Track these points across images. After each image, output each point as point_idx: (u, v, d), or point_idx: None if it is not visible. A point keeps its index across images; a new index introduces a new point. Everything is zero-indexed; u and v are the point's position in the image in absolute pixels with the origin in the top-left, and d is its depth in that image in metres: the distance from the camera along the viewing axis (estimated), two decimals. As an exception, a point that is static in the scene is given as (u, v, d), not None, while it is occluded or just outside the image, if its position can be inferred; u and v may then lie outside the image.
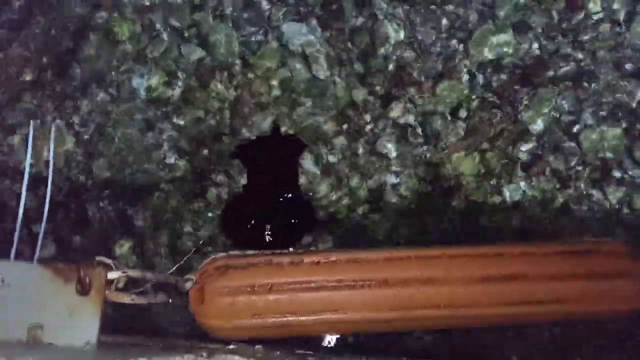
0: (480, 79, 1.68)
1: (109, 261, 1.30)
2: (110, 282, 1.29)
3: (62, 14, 1.78)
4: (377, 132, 1.67)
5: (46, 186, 1.58)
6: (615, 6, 1.68)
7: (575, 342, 1.50)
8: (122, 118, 1.72)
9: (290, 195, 1.64)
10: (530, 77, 1.67)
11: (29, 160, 1.57)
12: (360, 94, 1.69)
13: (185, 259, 1.57)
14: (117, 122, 1.71)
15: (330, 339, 1.50)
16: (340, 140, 1.67)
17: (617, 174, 1.61)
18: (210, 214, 1.64)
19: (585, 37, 1.68)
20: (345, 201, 1.64)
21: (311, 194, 1.64)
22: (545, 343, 1.51)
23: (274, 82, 1.72)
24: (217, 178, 1.67)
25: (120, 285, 1.30)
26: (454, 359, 1.50)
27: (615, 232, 1.58)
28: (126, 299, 1.30)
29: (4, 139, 1.72)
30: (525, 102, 1.65)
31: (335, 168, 1.66)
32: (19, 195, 1.55)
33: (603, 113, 1.64)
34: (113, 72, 1.75)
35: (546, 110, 1.65)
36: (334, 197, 1.65)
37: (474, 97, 1.67)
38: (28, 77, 1.75)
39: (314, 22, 1.73)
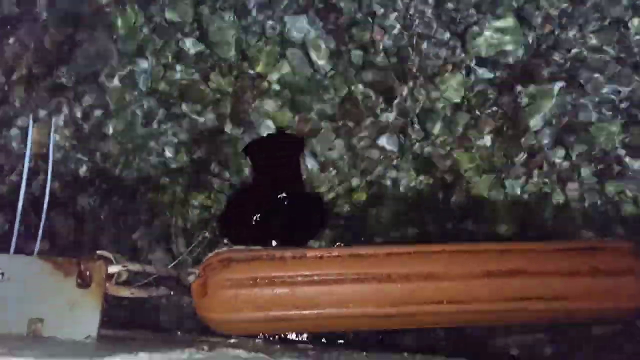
0: (480, 73, 1.68)
1: (109, 255, 1.30)
2: (110, 276, 1.29)
3: (62, 5, 1.77)
4: (377, 127, 1.67)
5: (45, 180, 1.58)
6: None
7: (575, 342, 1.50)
8: (121, 111, 1.71)
9: (298, 193, 1.63)
10: (531, 71, 1.67)
11: (28, 153, 1.57)
12: (359, 88, 1.69)
13: (184, 253, 1.57)
14: (115, 115, 1.71)
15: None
16: (340, 135, 1.67)
17: (617, 169, 1.61)
18: (209, 208, 1.64)
19: (587, 30, 1.68)
20: (345, 196, 1.64)
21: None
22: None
23: (274, 76, 1.71)
24: (216, 171, 1.67)
25: (122, 279, 1.30)
26: (454, 352, 1.50)
27: (615, 228, 1.58)
28: (126, 292, 1.30)
29: (2, 132, 1.72)
30: (526, 97, 1.65)
31: (335, 163, 1.66)
32: (17, 188, 1.55)
33: (604, 108, 1.64)
34: (113, 65, 1.74)
35: (547, 105, 1.64)
36: (333, 191, 1.64)
37: (474, 91, 1.67)
38: (26, 70, 1.75)
39: (313, 15, 1.73)
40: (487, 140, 1.65)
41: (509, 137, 1.64)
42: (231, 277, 1.33)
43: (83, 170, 1.68)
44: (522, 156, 1.63)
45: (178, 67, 1.73)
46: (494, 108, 1.66)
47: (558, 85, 1.65)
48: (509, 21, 1.68)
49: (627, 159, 1.61)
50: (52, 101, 1.72)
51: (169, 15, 1.75)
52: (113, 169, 1.68)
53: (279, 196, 1.63)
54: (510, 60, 1.68)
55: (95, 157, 1.69)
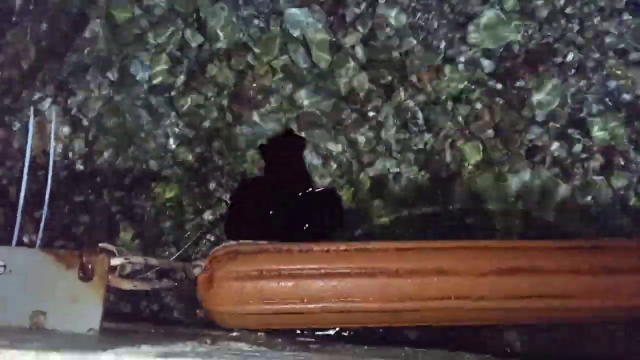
0: (483, 65, 1.67)
1: (112, 247, 1.29)
2: (113, 269, 1.28)
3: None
4: (379, 120, 1.66)
5: (46, 172, 1.57)
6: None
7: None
8: (123, 105, 1.71)
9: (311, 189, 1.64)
10: (534, 63, 1.66)
11: (29, 146, 1.57)
12: (361, 82, 1.68)
13: (185, 247, 1.57)
14: (117, 109, 1.70)
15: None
16: (342, 128, 1.67)
17: (621, 162, 1.60)
18: (211, 203, 1.64)
19: (590, 24, 1.67)
20: (347, 190, 1.64)
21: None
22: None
23: (276, 69, 1.71)
24: (217, 165, 1.66)
25: (126, 271, 1.30)
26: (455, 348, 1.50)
27: (620, 222, 1.57)
28: (129, 285, 1.30)
29: (3, 125, 1.71)
30: (529, 90, 1.65)
31: (336, 157, 1.65)
32: (19, 181, 1.54)
33: (607, 101, 1.64)
34: (114, 58, 1.73)
35: (550, 98, 1.64)
36: (334, 185, 1.64)
37: (477, 84, 1.67)
38: (28, 63, 1.74)
39: (316, 8, 1.72)
40: (490, 133, 1.64)
41: (511, 130, 1.64)
42: (237, 270, 1.32)
43: (84, 163, 1.68)
44: (525, 149, 1.63)
45: (178, 59, 1.73)
46: (497, 100, 1.65)
47: (561, 77, 1.65)
48: (512, 12, 1.68)
49: (631, 152, 1.61)
50: (52, 94, 1.72)
51: (168, 5, 1.75)
52: (113, 162, 1.67)
53: (298, 194, 1.63)
54: (513, 51, 1.67)
55: (96, 150, 1.68)
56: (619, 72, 1.64)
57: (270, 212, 1.63)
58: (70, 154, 1.68)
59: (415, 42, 1.69)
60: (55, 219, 1.62)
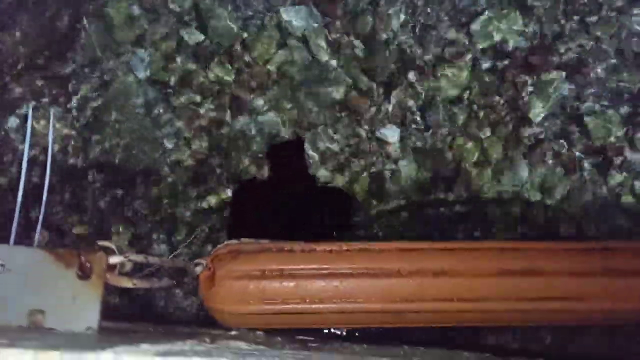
0: (482, 63, 1.67)
1: (112, 245, 1.29)
2: (112, 267, 1.28)
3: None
4: (378, 119, 1.66)
5: (43, 170, 1.57)
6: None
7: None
8: (120, 102, 1.70)
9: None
10: (533, 61, 1.66)
11: (27, 144, 1.56)
12: (360, 80, 1.68)
13: (183, 245, 1.57)
14: (114, 106, 1.70)
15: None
16: (341, 127, 1.66)
17: (619, 160, 1.60)
18: (210, 201, 1.63)
19: (590, 21, 1.67)
20: (345, 188, 1.64)
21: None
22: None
23: (273, 67, 1.70)
24: (217, 163, 1.66)
25: (126, 269, 1.29)
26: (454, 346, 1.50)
27: (618, 220, 1.58)
28: (129, 283, 1.29)
29: (0, 123, 1.71)
30: (529, 88, 1.65)
31: (335, 155, 1.65)
32: (17, 179, 1.54)
33: (606, 98, 1.64)
34: (111, 56, 1.73)
35: (549, 96, 1.64)
36: (333, 183, 1.64)
37: (476, 82, 1.66)
38: (24, 61, 1.74)
39: (314, 5, 1.72)
40: (488, 131, 1.64)
41: (510, 128, 1.64)
42: (239, 269, 1.32)
43: (81, 161, 1.67)
44: (524, 147, 1.63)
45: (177, 57, 1.72)
46: (496, 99, 1.65)
47: (561, 75, 1.65)
48: (512, 11, 1.68)
49: (629, 151, 1.61)
50: (51, 90, 1.71)
51: (168, 4, 1.74)
52: (112, 159, 1.67)
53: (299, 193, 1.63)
54: (513, 50, 1.67)
55: (95, 148, 1.68)
56: (617, 70, 1.64)
57: (271, 212, 1.63)
58: (68, 152, 1.68)
59: (414, 40, 1.69)
60: (53, 218, 1.61)
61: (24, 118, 1.67)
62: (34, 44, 1.74)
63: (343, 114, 1.67)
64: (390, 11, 1.70)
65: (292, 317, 1.36)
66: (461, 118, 1.65)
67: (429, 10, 1.70)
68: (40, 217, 1.50)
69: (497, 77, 1.66)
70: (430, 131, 1.65)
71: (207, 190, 1.64)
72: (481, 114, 1.65)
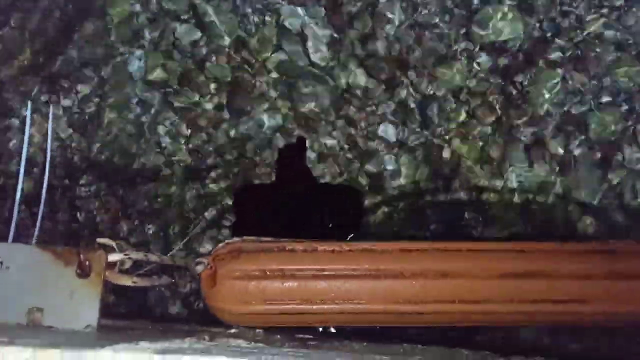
0: (482, 61, 1.67)
1: (112, 243, 1.28)
2: (112, 265, 1.27)
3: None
4: (377, 117, 1.66)
5: (42, 169, 1.57)
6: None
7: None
8: (118, 101, 1.70)
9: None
10: (533, 58, 1.66)
11: (26, 143, 1.56)
12: (359, 78, 1.68)
13: (181, 243, 1.56)
14: (113, 106, 1.70)
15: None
16: (340, 125, 1.66)
17: (618, 158, 1.60)
18: (210, 199, 1.63)
19: (588, 18, 1.67)
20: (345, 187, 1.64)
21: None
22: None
23: (272, 65, 1.70)
24: (214, 162, 1.66)
25: (126, 267, 1.29)
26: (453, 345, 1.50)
27: (617, 218, 1.57)
28: (128, 281, 1.29)
29: (0, 122, 1.71)
30: (528, 85, 1.64)
31: (334, 153, 1.65)
32: (16, 177, 1.54)
33: (606, 97, 1.64)
34: (110, 55, 1.73)
35: (549, 94, 1.64)
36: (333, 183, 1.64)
37: (475, 79, 1.66)
38: (23, 60, 1.74)
39: (313, 4, 1.72)
40: (488, 129, 1.64)
41: (509, 126, 1.64)
42: (240, 269, 1.31)
43: (80, 159, 1.67)
44: (523, 146, 1.63)
45: (174, 56, 1.72)
46: (495, 96, 1.65)
47: (560, 72, 1.65)
48: (511, 8, 1.67)
49: (629, 149, 1.61)
50: (50, 90, 1.71)
51: (164, 3, 1.74)
52: (111, 158, 1.67)
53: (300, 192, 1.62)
54: (512, 47, 1.67)
55: (93, 146, 1.68)
56: (617, 67, 1.64)
57: (271, 212, 1.63)
58: (67, 151, 1.68)
59: (414, 38, 1.69)
60: (52, 216, 1.61)
61: (23, 118, 1.67)
62: (32, 44, 1.74)
63: (342, 112, 1.67)
64: (390, 8, 1.69)
65: (293, 317, 1.35)
66: (460, 117, 1.65)
67: (428, 8, 1.70)
68: (40, 215, 1.49)
69: (495, 74, 1.66)
70: (429, 130, 1.65)
71: (207, 189, 1.64)
72: (480, 112, 1.64)
